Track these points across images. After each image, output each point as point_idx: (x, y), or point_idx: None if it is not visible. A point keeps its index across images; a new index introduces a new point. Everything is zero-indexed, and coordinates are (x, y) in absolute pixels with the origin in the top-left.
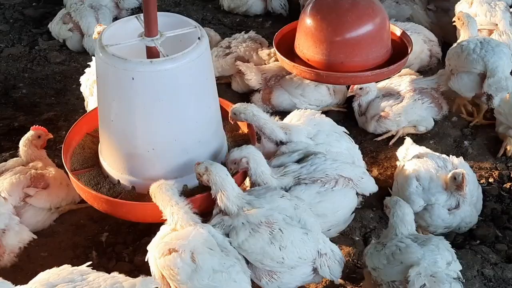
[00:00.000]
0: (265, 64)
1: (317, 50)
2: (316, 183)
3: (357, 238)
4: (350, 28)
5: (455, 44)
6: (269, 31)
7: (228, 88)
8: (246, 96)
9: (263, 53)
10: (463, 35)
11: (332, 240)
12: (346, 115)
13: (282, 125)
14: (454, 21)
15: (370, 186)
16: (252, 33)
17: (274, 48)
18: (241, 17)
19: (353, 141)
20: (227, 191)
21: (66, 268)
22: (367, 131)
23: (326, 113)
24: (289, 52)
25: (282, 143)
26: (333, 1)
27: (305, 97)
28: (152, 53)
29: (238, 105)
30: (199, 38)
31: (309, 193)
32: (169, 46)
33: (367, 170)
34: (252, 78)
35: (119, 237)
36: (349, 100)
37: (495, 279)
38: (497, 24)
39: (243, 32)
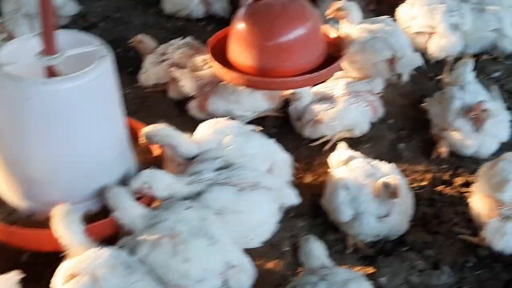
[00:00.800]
0: (200, 70)
1: (248, 55)
2: (233, 186)
3: (286, 249)
4: (280, 33)
5: (349, 44)
6: (210, 35)
7: (165, 96)
8: (183, 103)
9: (198, 59)
10: (347, 25)
11: (259, 251)
12: (284, 120)
13: (193, 140)
14: (328, 15)
15: (291, 198)
16: (189, 39)
17: (208, 54)
18: (184, 22)
19: (265, 136)
20: (127, 214)
21: None
22: (303, 136)
23: (264, 119)
24: (225, 58)
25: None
26: (264, 6)
27: (240, 103)
28: (51, 73)
29: (149, 128)
30: (101, 57)
31: (225, 192)
32: (74, 65)
33: (300, 176)
34: (187, 84)
35: (40, 257)
36: (287, 105)
37: (421, 287)
38: (435, 27)
39: (179, 38)
